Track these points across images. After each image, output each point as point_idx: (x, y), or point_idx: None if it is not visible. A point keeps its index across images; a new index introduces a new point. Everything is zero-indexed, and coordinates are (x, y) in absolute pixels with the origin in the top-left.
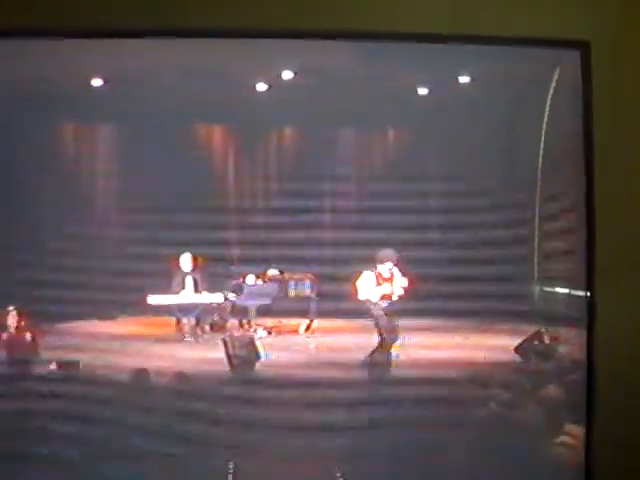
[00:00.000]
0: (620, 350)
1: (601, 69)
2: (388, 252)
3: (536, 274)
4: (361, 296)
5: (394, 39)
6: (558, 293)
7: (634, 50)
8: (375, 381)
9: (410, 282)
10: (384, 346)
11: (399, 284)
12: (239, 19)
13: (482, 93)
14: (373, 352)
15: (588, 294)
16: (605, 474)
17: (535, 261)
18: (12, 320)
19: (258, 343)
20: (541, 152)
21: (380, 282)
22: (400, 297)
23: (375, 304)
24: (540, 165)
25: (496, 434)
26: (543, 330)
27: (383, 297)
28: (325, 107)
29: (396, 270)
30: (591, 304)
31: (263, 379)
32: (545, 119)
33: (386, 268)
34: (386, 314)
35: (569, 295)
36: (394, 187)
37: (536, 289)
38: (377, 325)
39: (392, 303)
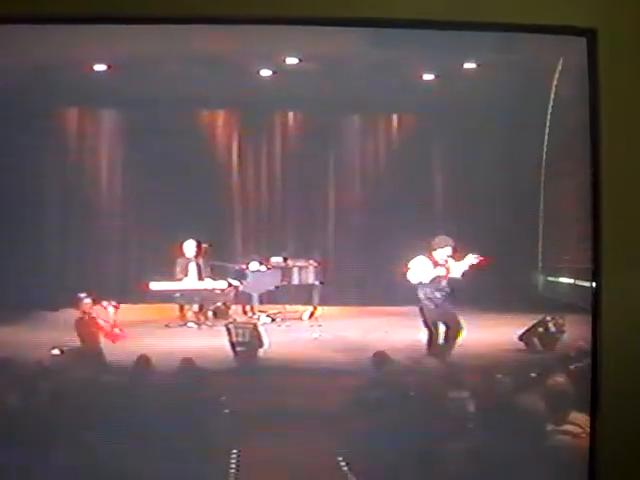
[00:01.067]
0: (625, 340)
1: (607, 56)
2: (445, 238)
3: (540, 264)
4: (413, 279)
5: (399, 26)
6: (563, 283)
7: None
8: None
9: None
10: (435, 339)
11: (457, 268)
12: (244, 6)
13: (487, 79)
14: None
15: (594, 285)
16: (609, 462)
17: (540, 250)
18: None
19: (261, 330)
20: (546, 140)
21: (434, 267)
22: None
23: (425, 288)
24: (545, 154)
25: (500, 422)
26: (548, 318)
27: (435, 280)
28: (329, 93)
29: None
30: (597, 295)
31: (266, 366)
32: (550, 107)
33: (443, 254)
34: (435, 302)
35: (574, 285)
36: (398, 173)
37: (541, 279)
38: (422, 312)
39: (442, 289)
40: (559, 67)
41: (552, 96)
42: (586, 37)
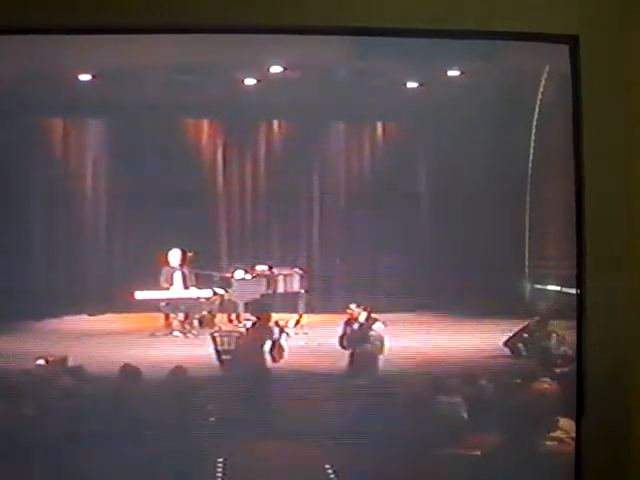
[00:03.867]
0: (610, 346)
1: (590, 63)
2: None
3: (527, 270)
4: None
5: (381, 34)
6: (548, 290)
7: (624, 44)
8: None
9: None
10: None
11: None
12: (227, 15)
13: (472, 87)
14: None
15: (578, 291)
16: (594, 467)
17: (526, 256)
18: None
19: None
20: (532, 147)
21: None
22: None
23: None
24: (530, 162)
25: (487, 428)
26: (533, 324)
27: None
28: (314, 101)
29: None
30: (581, 301)
31: (253, 373)
32: (536, 114)
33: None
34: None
35: (560, 292)
36: (383, 182)
37: (527, 285)
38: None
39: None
40: (544, 75)
41: (538, 103)
42: (569, 44)
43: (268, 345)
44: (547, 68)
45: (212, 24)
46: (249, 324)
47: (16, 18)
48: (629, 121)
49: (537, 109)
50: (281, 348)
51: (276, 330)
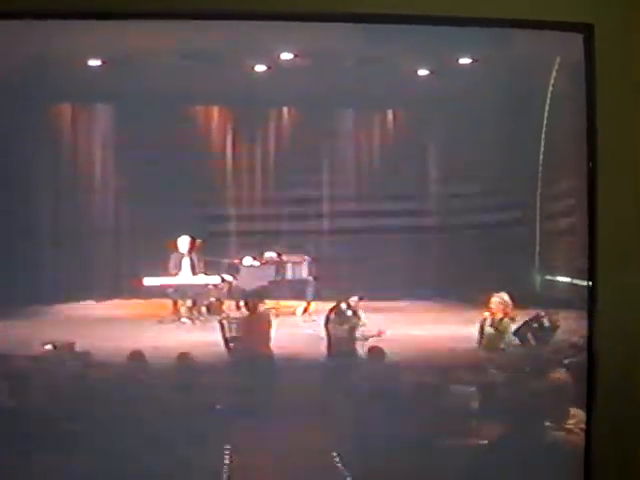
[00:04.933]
0: (620, 337)
1: (605, 52)
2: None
3: (537, 263)
4: None
5: (394, 21)
6: (559, 282)
7: (639, 33)
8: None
9: None
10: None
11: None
12: (239, 2)
13: (483, 75)
14: None
15: (590, 283)
16: (604, 459)
17: (537, 250)
18: None
19: None
20: (543, 136)
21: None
22: None
23: None
24: (542, 152)
25: (495, 418)
26: (542, 314)
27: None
28: (324, 88)
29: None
30: (593, 293)
31: (260, 361)
32: (547, 103)
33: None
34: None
35: (571, 284)
36: (393, 170)
37: (538, 277)
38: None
39: None
40: (556, 64)
41: (549, 93)
42: (583, 33)
43: (269, 332)
44: (558, 59)
45: (222, 10)
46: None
47: (25, 3)
48: None
49: (548, 98)
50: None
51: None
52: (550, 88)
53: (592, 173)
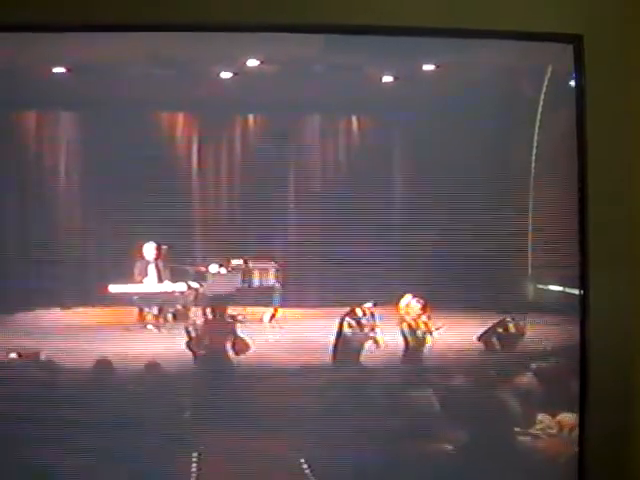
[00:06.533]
0: (612, 346)
1: (594, 63)
2: None
3: (530, 269)
4: None
5: (377, 33)
6: (550, 290)
7: (629, 44)
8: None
9: None
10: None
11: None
12: (203, 12)
13: (448, 80)
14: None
15: (581, 291)
16: (597, 465)
17: (529, 258)
18: None
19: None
20: (535, 143)
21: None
22: None
23: None
24: (534, 159)
25: (460, 422)
26: (508, 319)
27: None
28: (290, 95)
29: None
30: (584, 300)
31: (227, 368)
32: (539, 114)
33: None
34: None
35: (562, 291)
36: (359, 175)
37: (529, 285)
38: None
39: None
40: (548, 73)
41: (541, 103)
42: (572, 44)
43: (230, 340)
44: (549, 69)
45: (188, 21)
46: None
47: None
48: (633, 121)
49: (540, 108)
50: (242, 341)
51: (233, 323)
52: (542, 96)
53: (582, 181)
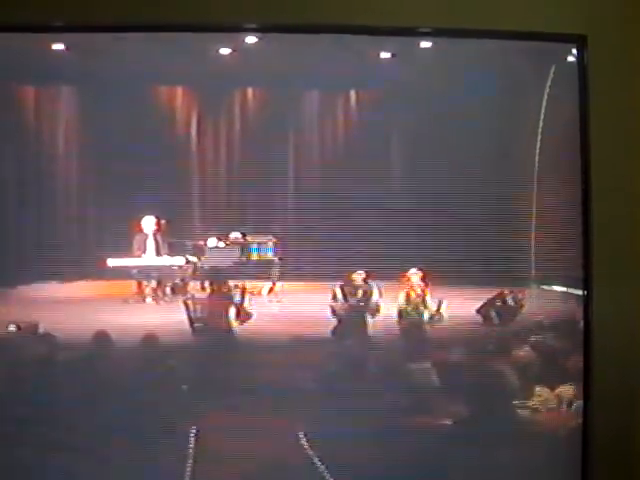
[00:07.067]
0: (617, 348)
1: (598, 63)
2: None
3: (533, 271)
4: None
5: (387, 33)
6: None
7: (631, 44)
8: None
9: None
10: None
11: None
12: (205, 13)
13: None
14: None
15: (585, 292)
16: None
17: (532, 259)
18: None
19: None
20: (539, 138)
21: None
22: None
23: None
24: (537, 159)
25: (459, 397)
26: (506, 292)
27: None
28: (289, 71)
29: None
30: (587, 303)
31: (225, 341)
32: (543, 111)
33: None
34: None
35: (565, 293)
36: (360, 150)
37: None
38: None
39: None
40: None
41: (544, 103)
42: (576, 43)
43: (232, 312)
44: (553, 68)
45: (188, 21)
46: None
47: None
48: (636, 120)
49: (544, 107)
50: (246, 312)
51: (237, 294)
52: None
53: (586, 182)
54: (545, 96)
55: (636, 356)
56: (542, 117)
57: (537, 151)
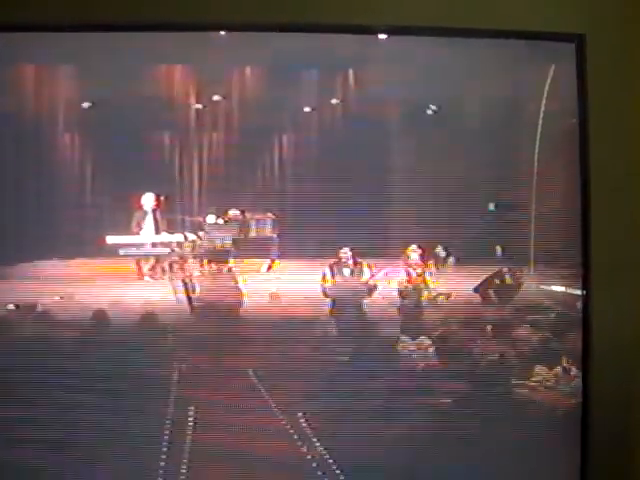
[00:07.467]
0: (615, 345)
1: (597, 62)
2: None
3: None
4: None
5: (386, 32)
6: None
7: (631, 43)
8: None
9: None
10: None
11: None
12: (205, 13)
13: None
14: None
15: (584, 292)
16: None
17: (532, 259)
18: None
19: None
20: (539, 134)
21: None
22: None
23: None
24: (536, 159)
25: (457, 375)
26: (505, 270)
27: None
28: (288, 48)
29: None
30: (586, 303)
31: (224, 318)
32: (542, 110)
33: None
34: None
35: (564, 292)
36: (359, 127)
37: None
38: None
39: None
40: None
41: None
42: (575, 42)
43: (230, 290)
44: (553, 67)
45: (188, 21)
46: (210, 270)
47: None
48: (636, 120)
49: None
50: (239, 291)
51: (237, 272)
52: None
53: (585, 181)
54: (545, 95)
55: (636, 356)
56: (541, 117)
57: (536, 151)
